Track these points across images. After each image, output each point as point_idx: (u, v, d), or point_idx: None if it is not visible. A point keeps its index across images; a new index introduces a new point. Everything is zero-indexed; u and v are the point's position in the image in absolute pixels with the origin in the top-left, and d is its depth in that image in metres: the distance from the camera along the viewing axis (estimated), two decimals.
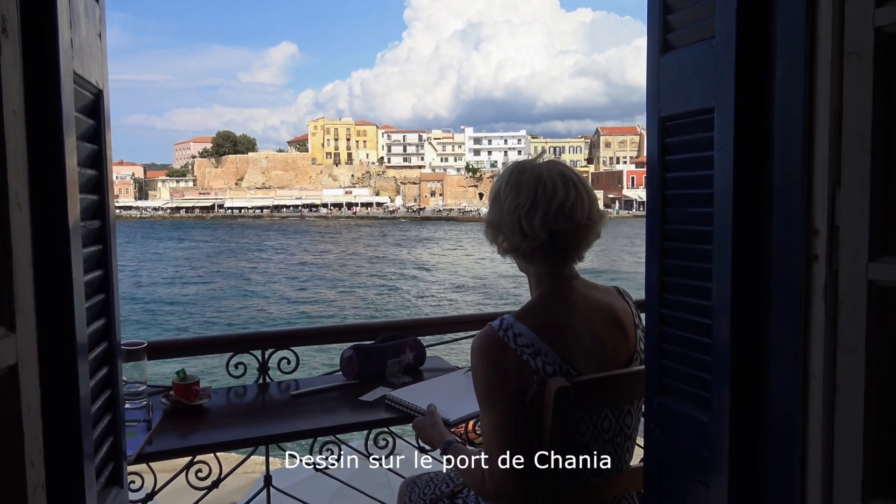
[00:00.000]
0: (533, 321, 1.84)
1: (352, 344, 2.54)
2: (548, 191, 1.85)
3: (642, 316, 1.97)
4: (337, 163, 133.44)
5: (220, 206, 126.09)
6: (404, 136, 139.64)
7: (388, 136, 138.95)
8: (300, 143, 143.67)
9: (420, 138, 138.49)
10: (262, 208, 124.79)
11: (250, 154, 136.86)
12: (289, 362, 2.56)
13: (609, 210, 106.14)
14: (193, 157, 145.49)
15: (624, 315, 2.02)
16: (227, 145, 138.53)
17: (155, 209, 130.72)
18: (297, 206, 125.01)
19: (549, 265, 1.92)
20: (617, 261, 44.84)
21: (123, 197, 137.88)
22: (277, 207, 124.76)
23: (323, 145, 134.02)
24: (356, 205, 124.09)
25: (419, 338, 2.68)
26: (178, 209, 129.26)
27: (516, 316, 1.86)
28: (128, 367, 2.20)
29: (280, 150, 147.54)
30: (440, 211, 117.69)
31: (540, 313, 1.88)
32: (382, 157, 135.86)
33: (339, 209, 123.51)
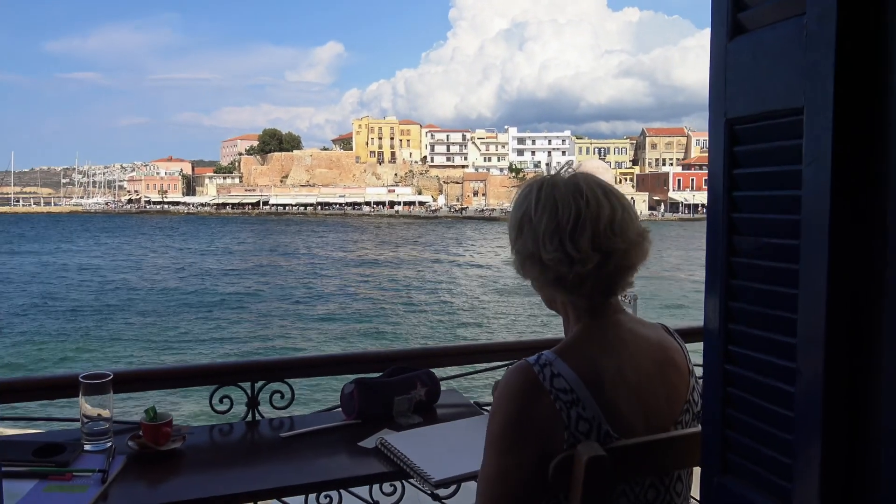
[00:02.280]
0: (577, 361, 1.50)
1: (354, 377, 2.21)
2: (592, 205, 1.52)
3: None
4: (380, 161, 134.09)
5: (265, 203, 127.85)
6: (448, 136, 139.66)
7: (432, 135, 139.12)
8: (344, 142, 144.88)
9: (463, 138, 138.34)
10: (305, 205, 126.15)
11: (295, 152, 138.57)
12: (282, 396, 2.24)
13: (654, 213, 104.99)
14: (240, 154, 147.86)
15: (677, 356, 1.66)
16: (273, 143, 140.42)
17: (202, 205, 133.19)
18: (340, 204, 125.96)
19: (596, 296, 1.57)
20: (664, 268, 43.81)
21: (172, 192, 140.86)
22: (321, 205, 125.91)
23: (367, 144, 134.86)
24: (399, 203, 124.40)
25: (433, 370, 2.33)
26: (224, 205, 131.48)
27: (557, 352, 1.52)
28: (91, 401, 1.91)
29: (325, 149, 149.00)
30: (482, 210, 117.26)
31: (585, 352, 1.54)
32: (426, 157, 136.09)
33: (382, 207, 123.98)
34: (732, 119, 1.33)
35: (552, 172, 1.62)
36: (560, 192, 1.54)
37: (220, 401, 2.16)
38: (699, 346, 1.59)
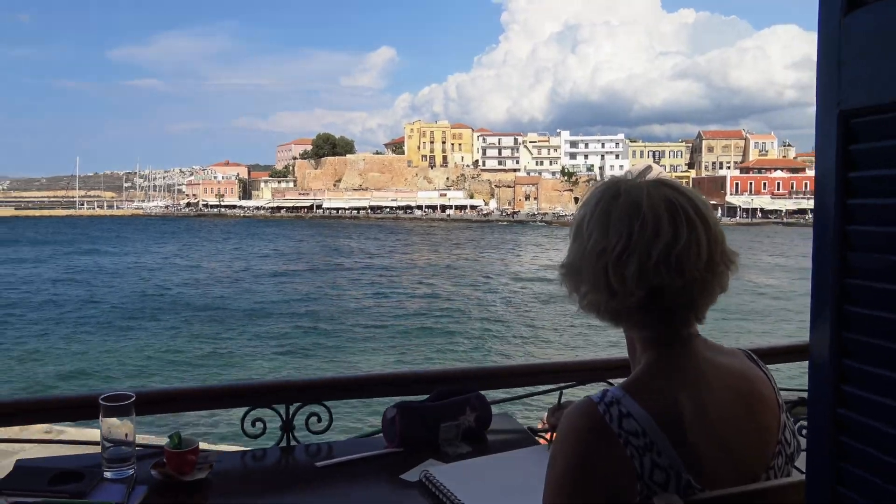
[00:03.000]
0: (649, 398, 1.28)
1: (398, 399, 2.01)
2: (647, 228, 1.27)
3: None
4: (432, 165, 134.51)
5: (319, 207, 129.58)
6: (499, 140, 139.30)
7: (483, 139, 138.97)
8: (396, 146, 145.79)
9: (515, 141, 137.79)
10: (358, 209, 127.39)
11: (348, 156, 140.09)
12: (319, 420, 2.06)
13: None
14: (294, 158, 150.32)
15: (764, 388, 1.43)
16: (327, 147, 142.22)
17: (257, 208, 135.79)
18: (392, 208, 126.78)
19: (659, 327, 1.35)
20: None
21: (229, 196, 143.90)
22: (373, 208, 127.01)
23: (419, 148, 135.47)
24: (450, 207, 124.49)
25: (483, 392, 2.12)
26: (278, 208, 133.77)
27: (625, 388, 1.31)
28: (112, 425, 1.76)
29: (377, 153, 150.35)
30: (534, 215, 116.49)
31: (658, 387, 1.31)
32: (477, 160, 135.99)
33: (434, 211, 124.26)
34: (848, 111, 1.10)
35: (629, 175, 1.39)
36: (618, 205, 1.31)
37: (253, 424, 1.99)
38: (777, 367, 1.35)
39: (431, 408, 2.03)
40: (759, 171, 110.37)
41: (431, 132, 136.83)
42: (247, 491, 1.80)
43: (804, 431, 1.52)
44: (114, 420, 1.76)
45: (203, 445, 1.86)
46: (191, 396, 2.03)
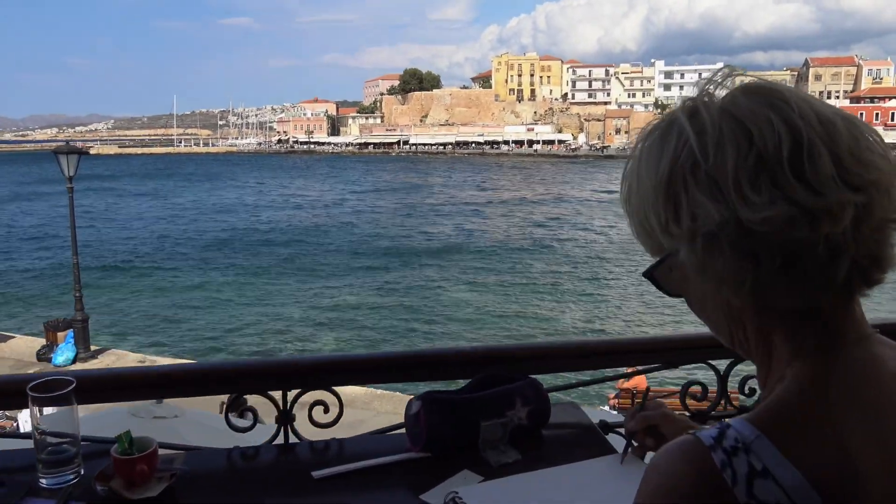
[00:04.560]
0: (799, 444, 0.75)
1: (424, 391, 1.52)
2: (812, 121, 0.76)
3: None
4: (520, 99, 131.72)
5: (405, 143, 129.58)
6: (590, 71, 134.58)
7: (573, 71, 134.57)
8: (484, 80, 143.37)
9: (606, 73, 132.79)
10: (444, 144, 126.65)
11: (435, 91, 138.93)
12: (326, 410, 1.60)
13: None
14: (381, 94, 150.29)
15: None
16: (414, 82, 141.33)
17: (346, 145, 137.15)
18: (478, 143, 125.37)
19: (818, 290, 0.78)
20: None
21: (318, 133, 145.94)
22: (459, 144, 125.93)
23: (506, 81, 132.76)
24: (538, 142, 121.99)
25: (538, 379, 1.60)
26: (366, 145, 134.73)
27: (759, 424, 0.76)
28: (48, 419, 1.36)
29: (464, 87, 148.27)
30: (625, 149, 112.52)
31: (815, 423, 0.77)
32: (566, 94, 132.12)
33: (521, 146, 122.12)
34: None
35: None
36: (742, 111, 0.77)
37: (241, 414, 1.56)
38: None
39: (468, 400, 1.53)
40: (872, 101, 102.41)
41: (519, 65, 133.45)
42: (226, 495, 1.37)
43: None
44: (51, 411, 1.36)
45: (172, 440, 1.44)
46: (154, 380, 1.57)
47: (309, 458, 1.53)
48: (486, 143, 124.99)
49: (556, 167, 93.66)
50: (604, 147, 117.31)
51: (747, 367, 2.06)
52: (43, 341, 16.20)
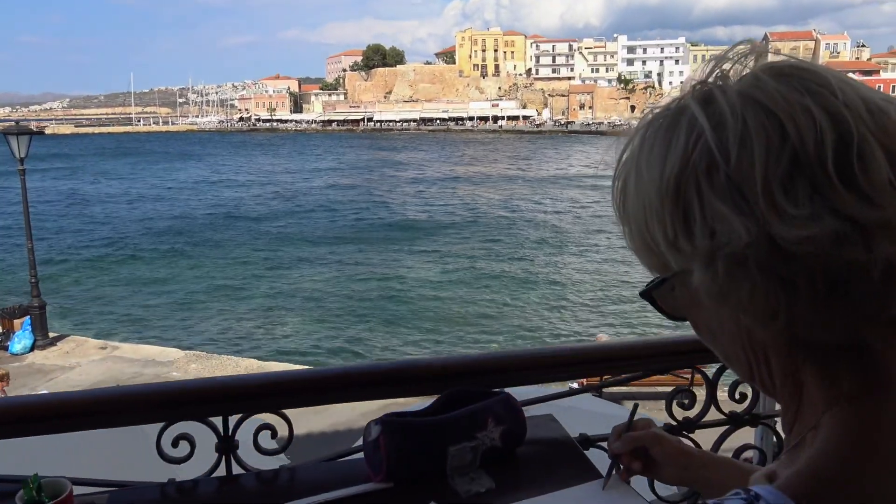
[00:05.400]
0: None
1: (384, 414, 1.34)
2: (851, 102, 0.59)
3: None
4: (484, 75, 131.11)
5: (370, 120, 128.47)
6: (553, 46, 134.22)
7: (537, 46, 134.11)
8: (447, 56, 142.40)
9: (570, 48, 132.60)
10: (409, 121, 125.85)
11: (398, 67, 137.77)
12: (273, 435, 1.42)
13: None
14: (344, 70, 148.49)
15: None
16: (377, 58, 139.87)
17: (308, 122, 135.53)
18: (443, 120, 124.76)
19: (866, 322, 0.62)
20: None
21: (280, 110, 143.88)
22: (424, 121, 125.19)
23: (470, 57, 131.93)
24: (502, 118, 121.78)
25: (513, 392, 1.43)
26: (329, 122, 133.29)
27: (792, 493, 0.61)
28: None
29: (427, 63, 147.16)
30: (589, 125, 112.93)
31: (858, 492, 0.61)
32: (530, 69, 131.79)
33: (485, 122, 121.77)
34: None
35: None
36: (770, 97, 0.60)
37: (174, 444, 1.36)
38: None
39: (434, 423, 1.35)
40: None
41: (483, 40, 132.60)
42: None
43: None
44: None
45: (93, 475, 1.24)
46: (68, 410, 1.34)
47: (256, 490, 1.35)
48: (451, 119, 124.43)
49: (521, 143, 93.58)
50: (568, 122, 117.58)
51: None
52: None
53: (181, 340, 16.60)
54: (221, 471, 1.38)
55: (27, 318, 15.28)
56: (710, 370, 1.63)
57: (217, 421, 1.38)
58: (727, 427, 1.65)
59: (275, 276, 23.59)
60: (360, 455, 1.40)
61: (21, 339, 15.04)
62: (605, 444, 1.53)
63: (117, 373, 13.58)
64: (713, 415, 1.65)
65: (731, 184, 0.60)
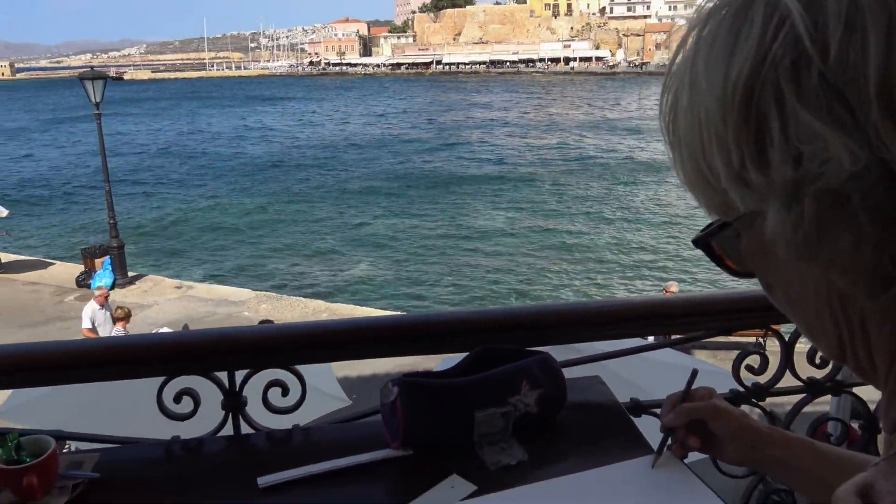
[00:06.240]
0: None
1: (405, 373, 1.18)
2: None
3: None
4: (556, 14, 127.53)
5: (439, 63, 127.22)
6: None
7: None
8: None
9: None
10: (478, 63, 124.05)
11: (468, 8, 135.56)
12: (284, 392, 1.29)
13: None
14: (413, 12, 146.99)
15: None
16: (446, 0, 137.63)
17: (377, 66, 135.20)
18: (513, 62, 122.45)
19: None
20: None
21: (349, 54, 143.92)
22: (494, 63, 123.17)
23: None
24: (574, 59, 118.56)
25: (554, 350, 1.26)
26: (398, 65, 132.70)
27: None
28: None
29: (497, 3, 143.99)
30: (665, 65, 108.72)
31: None
32: (604, 8, 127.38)
33: (556, 64, 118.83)
34: None
35: None
36: None
37: (177, 400, 1.25)
38: None
39: (459, 385, 1.19)
40: None
41: None
42: None
43: None
44: None
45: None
46: (63, 361, 1.24)
47: (267, 451, 1.23)
48: (521, 61, 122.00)
49: (594, 85, 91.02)
50: (643, 63, 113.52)
51: None
52: (81, 268, 16.34)
53: (253, 282, 16.97)
54: (229, 430, 1.27)
55: (107, 257, 15.86)
56: (788, 329, 1.41)
57: (222, 376, 1.25)
58: (803, 396, 1.44)
59: (344, 220, 23.80)
60: (379, 417, 1.25)
61: (102, 278, 15.63)
62: (660, 412, 1.35)
63: (192, 311, 13.99)
64: (788, 381, 1.44)
65: (829, 88, 0.41)
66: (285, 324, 1.30)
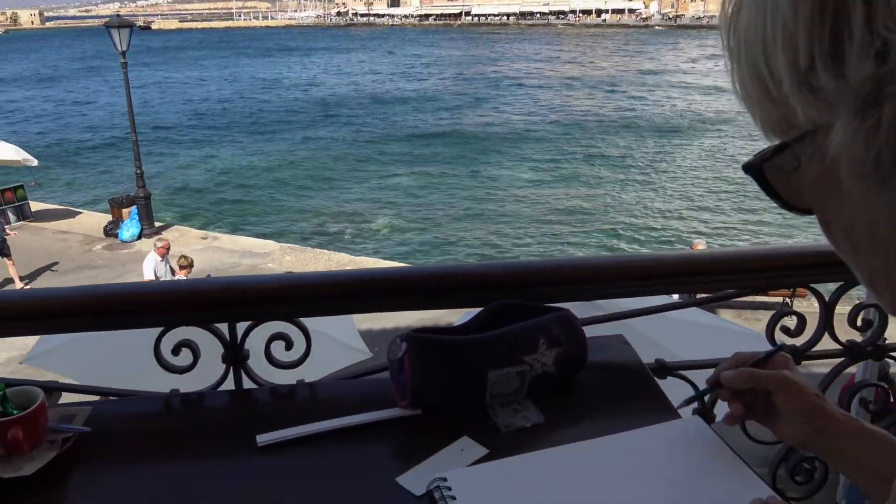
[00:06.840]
0: None
1: (415, 328, 1.11)
2: None
3: None
4: None
5: (468, 14, 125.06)
6: None
7: None
8: None
9: None
10: (508, 15, 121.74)
11: None
12: (288, 346, 1.23)
13: None
14: None
15: None
16: None
17: (405, 16, 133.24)
18: (543, 14, 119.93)
19: None
20: None
21: (377, 4, 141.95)
22: (524, 14, 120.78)
23: None
24: (606, 11, 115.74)
25: (575, 307, 1.17)
26: (426, 16, 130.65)
27: None
28: None
29: None
30: (700, 18, 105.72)
31: None
32: None
33: (588, 16, 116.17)
34: None
35: None
36: None
37: (175, 352, 1.19)
38: None
39: (471, 342, 1.12)
40: None
41: None
42: (148, 463, 1.03)
43: None
44: None
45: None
46: (56, 310, 1.15)
47: (270, 406, 1.17)
48: (552, 13, 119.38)
49: (626, 38, 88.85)
50: (677, 16, 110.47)
51: (860, 291, 1.58)
52: (109, 217, 16.50)
53: (278, 235, 17.02)
54: (230, 384, 1.21)
55: (134, 207, 15.97)
56: (828, 290, 1.30)
57: (223, 328, 1.19)
58: (841, 360, 1.34)
59: (370, 174, 23.69)
60: (387, 374, 1.19)
61: (129, 228, 15.77)
62: (686, 374, 1.26)
63: (217, 262, 14.07)
64: (826, 343, 1.34)
65: None
66: (288, 274, 1.23)
